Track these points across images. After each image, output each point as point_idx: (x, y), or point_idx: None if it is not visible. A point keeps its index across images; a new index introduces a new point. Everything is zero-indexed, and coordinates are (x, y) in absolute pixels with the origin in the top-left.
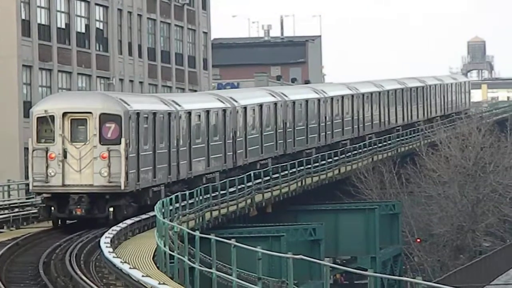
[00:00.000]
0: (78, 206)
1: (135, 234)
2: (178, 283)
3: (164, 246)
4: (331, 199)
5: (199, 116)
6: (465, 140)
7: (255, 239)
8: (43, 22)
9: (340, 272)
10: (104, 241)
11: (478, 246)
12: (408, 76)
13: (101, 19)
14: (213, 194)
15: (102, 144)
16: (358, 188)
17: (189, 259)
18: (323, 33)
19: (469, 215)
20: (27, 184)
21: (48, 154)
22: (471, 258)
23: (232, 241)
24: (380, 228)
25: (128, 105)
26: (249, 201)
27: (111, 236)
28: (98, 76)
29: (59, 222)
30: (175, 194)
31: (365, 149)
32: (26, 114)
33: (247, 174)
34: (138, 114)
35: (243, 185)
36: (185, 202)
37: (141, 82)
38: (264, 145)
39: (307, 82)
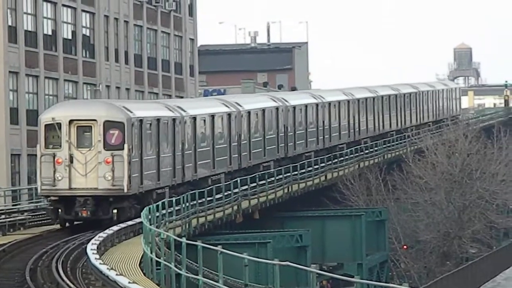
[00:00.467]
0: (84, 208)
1: (122, 241)
2: None
3: (151, 252)
4: (318, 205)
5: (204, 120)
6: (451, 147)
7: (242, 245)
8: (29, 29)
9: (327, 279)
10: (91, 248)
11: (464, 252)
12: (396, 82)
13: (88, 25)
14: (199, 201)
15: (106, 150)
16: (344, 195)
17: (175, 266)
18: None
19: (455, 222)
20: (14, 191)
21: (56, 159)
22: (458, 265)
23: (219, 248)
24: (366, 234)
25: (131, 112)
26: (235, 207)
27: (97, 242)
28: (84, 83)
29: (66, 224)
30: (162, 201)
31: (352, 155)
32: (13, 121)
33: (233, 180)
34: (141, 121)
35: (229, 192)
36: (172, 208)
37: (127, 89)
38: (267, 148)
39: (293, 88)
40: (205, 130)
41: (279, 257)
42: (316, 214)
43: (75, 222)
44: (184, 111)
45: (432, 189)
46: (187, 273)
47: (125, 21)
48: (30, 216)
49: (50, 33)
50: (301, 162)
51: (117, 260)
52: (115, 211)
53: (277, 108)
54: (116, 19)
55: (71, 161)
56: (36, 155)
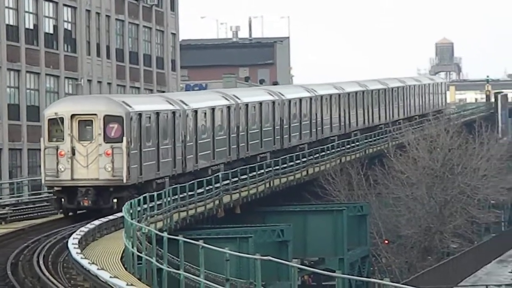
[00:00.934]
0: (86, 198)
1: (103, 235)
2: (146, 284)
3: (132, 247)
4: (299, 200)
5: (205, 113)
6: (433, 142)
7: (223, 240)
8: (11, 23)
9: (308, 273)
10: (72, 242)
11: (445, 247)
12: (378, 77)
13: (69, 20)
14: (181, 195)
15: (106, 142)
16: (326, 190)
17: (157, 260)
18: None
19: (437, 217)
20: None
21: (59, 152)
22: (439, 260)
23: (200, 242)
24: (348, 229)
25: (130, 107)
26: (217, 202)
27: (79, 237)
28: (66, 77)
29: (69, 213)
30: (143, 195)
31: (333, 150)
32: None
33: (215, 175)
34: (140, 114)
35: (211, 186)
36: (153, 203)
37: (109, 83)
38: (264, 140)
39: (275, 83)
40: (206, 123)
41: (260, 251)
42: (297, 209)
43: (78, 212)
44: (186, 104)
45: (413, 184)
46: (168, 267)
47: (106, 15)
48: (11, 211)
49: (31, 27)
50: (283, 157)
51: (99, 255)
52: (115, 200)
53: (273, 102)
54: (98, 13)
55: (73, 153)
56: (20, 149)
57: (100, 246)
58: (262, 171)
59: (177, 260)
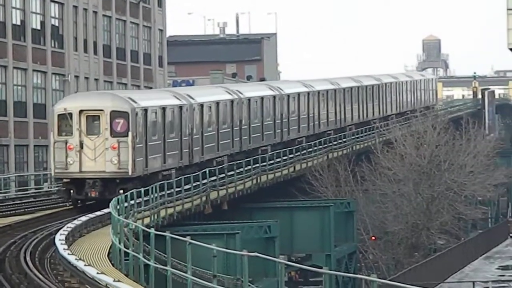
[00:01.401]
0: (93, 189)
1: (90, 231)
2: (133, 280)
3: (119, 243)
4: (286, 196)
5: (210, 107)
6: (420, 138)
7: (210, 236)
8: None
9: (295, 270)
10: (59, 238)
11: (432, 244)
12: (368, 74)
13: (57, 16)
14: (168, 192)
15: (113, 137)
16: (313, 186)
17: (144, 256)
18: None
19: (424, 213)
20: None
21: (67, 146)
22: (426, 256)
23: (187, 239)
24: (335, 225)
25: (135, 102)
26: (204, 198)
27: (66, 233)
28: (53, 73)
29: (78, 203)
30: (130, 191)
31: (320, 146)
32: None
33: (202, 171)
34: (145, 110)
35: (198, 182)
36: (140, 199)
37: (96, 79)
38: (265, 133)
39: (262, 79)
40: (211, 116)
41: (247, 248)
42: (284, 205)
43: (86, 203)
44: (193, 98)
45: (400, 180)
46: (155, 263)
47: (94, 11)
48: None
49: (18, 23)
50: (269, 154)
51: (86, 251)
52: (121, 191)
53: (274, 97)
54: (85, 9)
55: (82, 147)
56: (7, 145)
57: (87, 242)
58: (264, 163)
59: (164, 256)
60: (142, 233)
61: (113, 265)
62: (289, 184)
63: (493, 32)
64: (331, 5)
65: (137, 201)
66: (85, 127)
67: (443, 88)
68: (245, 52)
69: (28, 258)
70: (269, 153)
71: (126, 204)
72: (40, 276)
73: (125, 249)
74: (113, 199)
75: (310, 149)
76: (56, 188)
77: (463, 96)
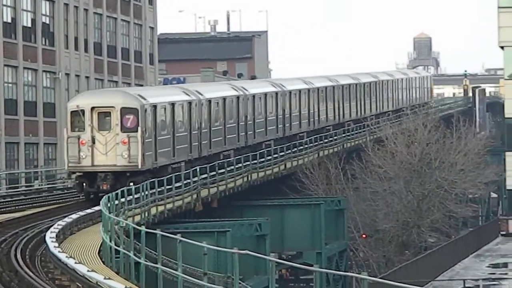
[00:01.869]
0: (105, 182)
1: (81, 229)
2: (124, 278)
3: (110, 241)
4: (277, 194)
5: (218, 103)
6: (411, 136)
7: (201, 234)
8: None
9: (286, 268)
10: (50, 236)
11: (423, 241)
12: (358, 71)
13: (48, 13)
14: (158, 189)
15: (123, 132)
16: (304, 184)
17: (134, 254)
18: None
19: (414, 211)
20: None
21: (80, 141)
22: (416, 254)
23: (178, 236)
24: (325, 223)
25: (145, 99)
26: (194, 196)
27: (56, 230)
28: (44, 71)
29: (90, 196)
30: (121, 189)
31: (311, 144)
32: None
33: (193, 169)
34: (155, 106)
35: (188, 180)
36: (131, 197)
37: (87, 77)
38: (268, 128)
39: (253, 77)
40: (218, 112)
41: (238, 245)
42: (275, 203)
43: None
44: (201, 94)
45: (391, 178)
46: (146, 261)
47: (84, 9)
48: None
49: (9, 21)
50: (261, 151)
51: (76, 249)
52: (131, 184)
53: (276, 93)
54: (76, 7)
55: (93, 142)
56: None
57: (78, 240)
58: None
59: (155, 254)
60: (133, 230)
61: (103, 262)
62: (280, 182)
63: (484, 30)
64: (322, 2)
65: (128, 198)
66: (97, 123)
67: (433, 86)
68: (236, 50)
69: (19, 256)
70: (260, 151)
71: (116, 202)
72: (31, 274)
73: (115, 247)
74: (104, 196)
75: (301, 147)
76: (47, 186)
77: (454, 94)
